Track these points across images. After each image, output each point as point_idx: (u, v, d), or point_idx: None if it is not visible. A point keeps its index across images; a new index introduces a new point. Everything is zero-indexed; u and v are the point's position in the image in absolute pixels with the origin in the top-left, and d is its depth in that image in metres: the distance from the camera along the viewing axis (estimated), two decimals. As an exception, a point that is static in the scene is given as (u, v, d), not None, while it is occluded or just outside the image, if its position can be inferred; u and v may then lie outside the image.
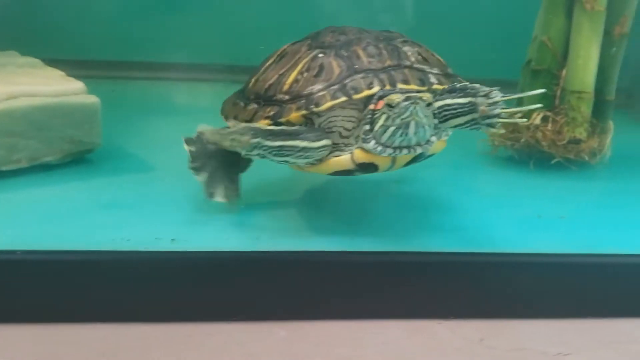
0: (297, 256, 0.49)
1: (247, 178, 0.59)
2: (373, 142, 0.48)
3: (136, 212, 0.55)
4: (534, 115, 0.73)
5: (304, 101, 0.49)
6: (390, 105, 0.46)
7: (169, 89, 1.01)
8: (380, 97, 0.48)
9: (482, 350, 0.49)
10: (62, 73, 0.70)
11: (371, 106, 0.48)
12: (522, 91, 0.77)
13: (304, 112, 0.49)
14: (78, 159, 0.66)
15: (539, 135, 0.73)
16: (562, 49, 0.75)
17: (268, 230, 0.53)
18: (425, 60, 0.52)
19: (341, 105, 0.49)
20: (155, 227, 0.52)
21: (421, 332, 0.50)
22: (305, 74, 0.50)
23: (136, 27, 1.00)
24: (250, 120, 0.51)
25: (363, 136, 0.48)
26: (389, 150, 0.48)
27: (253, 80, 0.55)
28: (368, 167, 0.51)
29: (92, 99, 0.66)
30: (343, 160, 0.50)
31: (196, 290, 0.49)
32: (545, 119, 0.73)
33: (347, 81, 0.49)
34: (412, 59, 0.51)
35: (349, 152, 0.50)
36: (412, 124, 0.46)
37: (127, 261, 0.47)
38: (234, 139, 0.47)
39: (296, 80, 0.50)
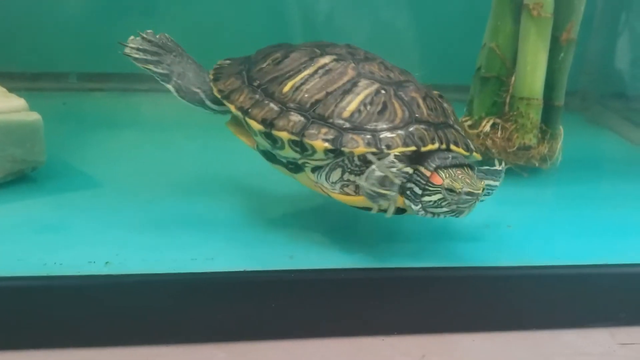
0: (233, 277, 0.49)
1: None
2: (420, 206, 0.49)
3: (73, 234, 0.54)
4: (483, 122, 0.73)
5: (370, 137, 0.49)
6: (451, 191, 0.48)
7: (125, 100, 0.99)
8: (437, 168, 0.49)
9: (422, 366, 0.49)
10: (3, 89, 0.68)
11: (426, 172, 0.49)
12: (472, 97, 0.78)
13: (373, 149, 0.48)
14: (20, 178, 0.64)
15: (489, 142, 0.73)
16: (510, 56, 0.75)
17: (206, 250, 0.52)
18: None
19: None
20: (91, 249, 0.51)
21: (363, 350, 0.50)
22: (368, 107, 0.50)
23: (90, 37, 0.98)
24: (298, 133, 0.50)
25: (409, 194, 0.49)
26: (430, 215, 0.50)
27: (289, 84, 0.52)
28: (399, 211, 0.51)
29: (34, 116, 0.65)
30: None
31: (132, 313, 0.48)
32: (494, 126, 0.73)
33: (411, 129, 0.50)
34: (452, 118, 0.54)
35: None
36: (465, 212, 0.49)
37: (57, 287, 0.46)
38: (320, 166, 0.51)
39: (358, 111, 0.50)
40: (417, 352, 0.50)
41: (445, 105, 0.54)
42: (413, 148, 0.49)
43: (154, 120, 0.90)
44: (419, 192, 0.49)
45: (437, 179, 0.48)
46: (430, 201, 0.49)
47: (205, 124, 0.82)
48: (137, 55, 0.56)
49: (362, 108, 0.50)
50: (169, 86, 0.57)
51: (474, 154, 0.53)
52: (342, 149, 0.49)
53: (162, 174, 0.68)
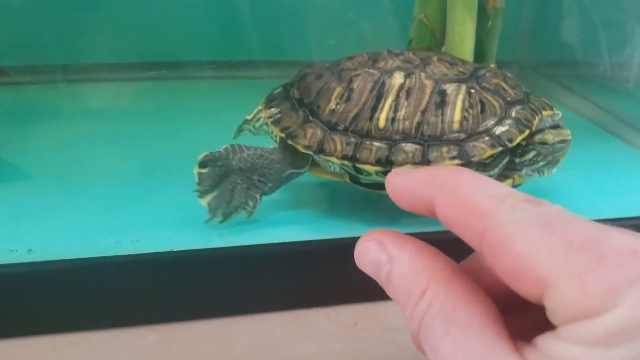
0: (159, 257, 0.48)
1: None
2: (524, 170, 0.54)
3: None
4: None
5: (487, 138, 0.51)
6: (544, 144, 0.52)
7: (60, 92, 0.97)
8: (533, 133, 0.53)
9: (354, 333, 0.49)
10: None
11: (523, 141, 0.53)
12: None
13: (499, 149, 0.51)
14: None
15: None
16: (440, 27, 0.75)
17: (131, 233, 0.52)
18: None
19: None
20: (13, 237, 0.50)
21: (296, 322, 0.50)
22: (471, 111, 0.52)
23: (36, 30, 0.95)
24: (421, 162, 0.51)
25: (511, 165, 0.54)
26: (535, 174, 0.55)
27: (382, 117, 0.52)
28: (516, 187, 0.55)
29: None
30: (507, 184, 0.53)
31: (58, 300, 0.47)
32: (427, 97, 0.74)
33: (514, 115, 0.53)
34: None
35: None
36: (561, 160, 0.54)
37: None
38: None
39: (465, 119, 0.51)
40: (350, 321, 0.51)
41: (511, 75, 0.57)
42: (528, 132, 0.52)
43: (88, 111, 0.88)
44: (518, 159, 0.54)
45: (529, 140, 0.53)
46: (525, 160, 0.53)
47: (140, 115, 0.83)
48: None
49: (466, 114, 0.52)
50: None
51: (555, 109, 0.56)
52: (472, 159, 0.50)
53: (92, 163, 0.67)
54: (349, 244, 0.51)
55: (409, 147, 0.51)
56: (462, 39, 0.74)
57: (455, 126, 0.52)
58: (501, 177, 0.55)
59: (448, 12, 0.74)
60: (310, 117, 0.55)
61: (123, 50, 0.96)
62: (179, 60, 0.98)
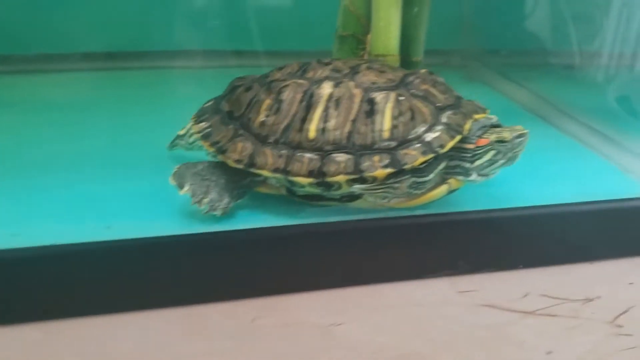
0: (39, 252, 0.46)
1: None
2: (475, 174, 0.53)
3: None
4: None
5: (419, 145, 0.50)
6: (502, 142, 0.52)
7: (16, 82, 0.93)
8: (480, 135, 0.52)
9: (252, 329, 0.47)
10: None
11: (470, 145, 0.52)
12: (332, 57, 0.76)
13: (430, 155, 0.50)
14: None
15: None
16: (365, 13, 0.73)
17: (10, 227, 0.49)
18: None
19: None
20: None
21: (189, 319, 0.48)
22: (400, 119, 0.51)
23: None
24: (354, 171, 0.50)
25: (459, 170, 0.53)
26: (483, 179, 0.53)
27: (311, 128, 0.51)
28: (452, 193, 0.55)
29: None
30: (442, 190, 0.53)
31: None
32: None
33: (444, 120, 0.51)
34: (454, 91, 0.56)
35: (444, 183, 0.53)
36: (519, 155, 0.53)
37: None
38: (387, 191, 0.51)
39: (395, 127, 0.50)
40: (248, 316, 0.49)
41: (441, 80, 0.56)
42: (459, 137, 0.51)
43: (40, 101, 0.84)
44: (468, 164, 0.52)
45: (483, 141, 0.52)
46: (483, 163, 0.52)
47: (92, 106, 0.79)
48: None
49: (395, 122, 0.51)
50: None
51: (487, 111, 0.55)
52: (404, 167, 0.49)
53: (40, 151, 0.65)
54: (249, 236, 0.51)
55: (341, 157, 0.50)
56: (387, 25, 0.72)
57: (386, 134, 0.51)
58: (437, 183, 0.53)
59: (373, -1, 0.72)
60: (241, 131, 0.54)
61: (74, 40, 0.93)
62: (135, 51, 0.95)
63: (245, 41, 0.92)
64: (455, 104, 0.53)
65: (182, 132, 0.63)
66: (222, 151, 0.53)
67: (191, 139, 0.62)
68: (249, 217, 0.53)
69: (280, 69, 0.57)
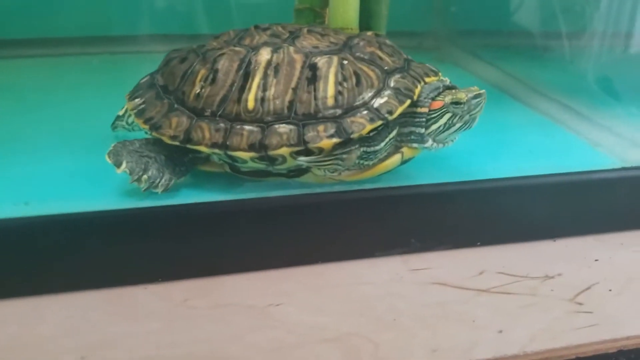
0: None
1: None
2: (431, 140, 0.50)
3: None
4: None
5: (366, 112, 0.47)
6: (458, 103, 0.48)
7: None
8: (433, 98, 0.49)
9: (182, 311, 0.44)
10: None
11: (424, 109, 0.49)
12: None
13: (379, 122, 0.46)
14: None
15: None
16: (323, -15, 0.70)
17: None
18: None
19: None
20: None
21: (117, 301, 0.45)
22: (345, 85, 0.47)
23: None
24: (298, 143, 0.46)
25: (413, 137, 0.49)
26: (440, 146, 0.50)
27: (250, 98, 0.48)
28: (406, 161, 0.51)
29: None
30: (395, 159, 0.50)
31: None
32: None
33: (393, 84, 0.48)
34: (404, 53, 0.53)
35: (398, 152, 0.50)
36: (477, 118, 0.49)
37: None
38: (336, 163, 0.47)
39: (339, 93, 0.47)
40: (179, 297, 0.45)
41: (390, 43, 0.52)
42: (409, 102, 0.48)
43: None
44: (422, 130, 0.49)
45: (437, 104, 0.49)
46: (439, 127, 0.49)
47: (42, 90, 0.76)
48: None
49: (340, 88, 0.47)
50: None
51: (439, 74, 0.52)
52: (351, 136, 0.46)
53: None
54: (180, 212, 0.47)
55: (283, 128, 0.47)
56: (345, -3, 0.69)
57: (330, 102, 0.47)
58: (390, 153, 0.50)
59: (330, -30, 0.69)
60: (176, 105, 0.50)
61: (27, 26, 0.89)
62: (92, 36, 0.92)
63: (206, 24, 0.89)
64: (404, 67, 0.50)
65: (121, 113, 0.60)
66: (156, 128, 0.50)
67: (130, 119, 0.58)
68: (191, 195, 0.50)
69: (217, 37, 0.54)
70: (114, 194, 0.49)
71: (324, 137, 0.46)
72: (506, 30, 0.91)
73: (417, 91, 0.49)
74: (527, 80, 0.80)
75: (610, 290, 0.47)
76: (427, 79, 0.50)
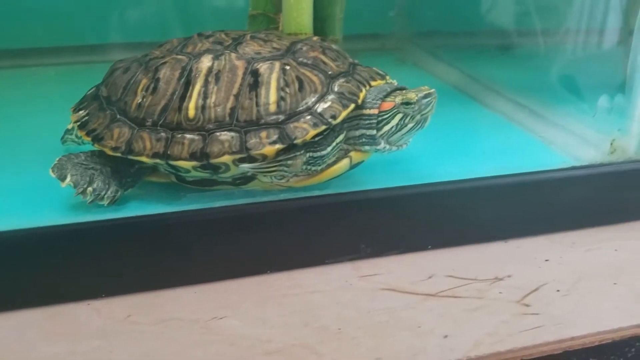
0: None
1: None
2: (384, 142, 0.49)
3: None
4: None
5: (309, 117, 0.46)
6: (408, 103, 0.47)
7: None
8: (383, 99, 0.49)
9: (124, 327, 0.43)
10: None
11: (373, 111, 0.48)
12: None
13: (322, 127, 0.46)
14: None
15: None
16: (275, -10, 0.69)
17: None
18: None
19: None
20: None
21: (57, 319, 0.44)
22: (287, 90, 0.46)
23: None
24: (240, 150, 0.46)
25: (365, 140, 0.49)
26: (394, 148, 0.50)
27: (191, 107, 0.47)
28: (355, 165, 0.51)
29: None
30: (344, 164, 0.49)
31: None
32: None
33: (337, 89, 0.47)
34: (349, 57, 0.52)
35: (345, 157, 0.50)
36: (429, 118, 0.49)
37: None
38: (281, 170, 0.46)
39: (282, 98, 0.46)
40: (122, 314, 0.44)
41: (336, 47, 0.52)
42: (353, 106, 0.47)
43: None
44: (374, 132, 0.48)
45: (388, 105, 0.48)
46: (391, 128, 0.48)
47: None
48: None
49: (282, 94, 0.46)
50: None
51: (387, 77, 0.52)
52: (295, 142, 0.45)
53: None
54: (126, 225, 0.46)
55: (224, 135, 0.46)
56: (298, 2, 0.68)
57: (273, 108, 0.46)
58: (339, 158, 0.50)
59: (281, -26, 0.69)
60: (118, 116, 0.49)
61: None
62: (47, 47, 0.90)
63: (162, 31, 0.88)
64: (349, 71, 0.50)
65: (70, 126, 0.59)
66: (98, 139, 0.49)
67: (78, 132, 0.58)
68: (137, 207, 0.49)
69: (160, 45, 0.53)
70: (60, 208, 0.48)
71: (266, 144, 0.46)
72: (466, 30, 0.91)
73: (361, 95, 0.48)
74: (486, 80, 0.80)
75: (558, 290, 0.47)
76: (373, 83, 0.50)
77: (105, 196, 0.48)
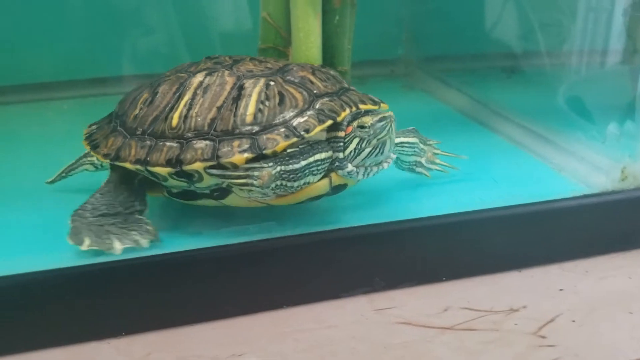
0: None
1: None
2: (350, 166, 0.49)
3: None
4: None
5: (283, 129, 0.47)
6: (362, 127, 0.48)
7: None
8: (349, 122, 0.49)
9: (144, 366, 0.44)
10: None
11: (340, 133, 0.49)
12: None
13: (294, 140, 0.46)
14: None
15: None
16: (285, 24, 0.70)
17: None
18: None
19: None
20: None
21: (80, 357, 0.44)
22: (267, 103, 0.47)
23: None
24: (211, 158, 0.46)
25: (338, 163, 0.49)
26: (362, 170, 0.49)
27: (175, 116, 0.49)
28: (339, 189, 0.51)
29: None
30: (323, 184, 0.49)
31: None
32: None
33: (318, 106, 0.48)
34: (345, 82, 0.54)
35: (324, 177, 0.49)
36: (388, 142, 0.48)
37: None
38: (248, 178, 0.46)
39: (260, 111, 0.47)
40: (142, 352, 0.45)
41: (332, 72, 0.53)
42: (330, 122, 0.48)
43: None
44: (341, 154, 0.48)
45: (349, 128, 0.48)
46: (351, 152, 0.48)
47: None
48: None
49: (261, 107, 0.48)
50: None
51: (382, 105, 0.52)
52: (264, 152, 0.46)
53: None
54: (142, 264, 0.47)
55: (200, 144, 0.47)
56: (307, 35, 0.69)
57: (249, 119, 0.48)
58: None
59: (291, 8, 0.70)
60: (118, 127, 0.52)
61: None
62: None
63: (171, 62, 0.89)
64: (337, 92, 0.50)
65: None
66: (94, 147, 0.52)
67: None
68: (153, 245, 0.49)
69: (176, 68, 0.55)
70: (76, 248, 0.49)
71: (236, 152, 0.46)
72: (472, 53, 0.92)
73: (343, 114, 0.49)
74: (493, 104, 0.81)
75: (573, 321, 0.47)
76: (361, 106, 0.50)
77: (141, 238, 0.48)
